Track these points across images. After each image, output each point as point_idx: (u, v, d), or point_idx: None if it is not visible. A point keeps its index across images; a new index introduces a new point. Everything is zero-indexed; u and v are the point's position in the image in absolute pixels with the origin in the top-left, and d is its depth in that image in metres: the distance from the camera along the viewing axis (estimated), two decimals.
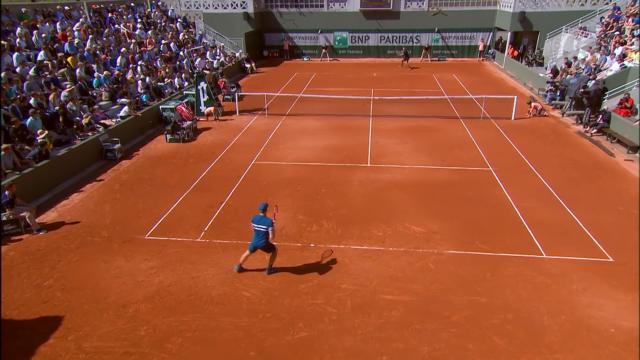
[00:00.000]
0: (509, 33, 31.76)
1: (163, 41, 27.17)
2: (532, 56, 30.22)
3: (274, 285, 8.67)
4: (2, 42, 17.67)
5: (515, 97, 19.76)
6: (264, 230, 8.40)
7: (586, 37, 26.20)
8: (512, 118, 19.28)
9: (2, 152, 11.63)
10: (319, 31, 35.89)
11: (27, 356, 7.02)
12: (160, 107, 19.12)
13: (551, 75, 23.45)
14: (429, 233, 10.44)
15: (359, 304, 8.12)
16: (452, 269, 9.12)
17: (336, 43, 36.48)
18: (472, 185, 12.99)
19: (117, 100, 18.19)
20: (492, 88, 24.96)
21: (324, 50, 35.97)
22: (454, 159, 14.99)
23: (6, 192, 10.38)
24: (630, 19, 24.39)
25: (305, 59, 36.60)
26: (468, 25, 34.63)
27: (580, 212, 11.29)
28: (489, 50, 35.13)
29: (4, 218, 10.35)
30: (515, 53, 31.84)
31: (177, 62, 25.49)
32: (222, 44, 32.62)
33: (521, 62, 30.10)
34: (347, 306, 8.06)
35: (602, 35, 24.78)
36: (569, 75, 21.91)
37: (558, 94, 21.18)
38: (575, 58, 24.09)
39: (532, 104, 19.93)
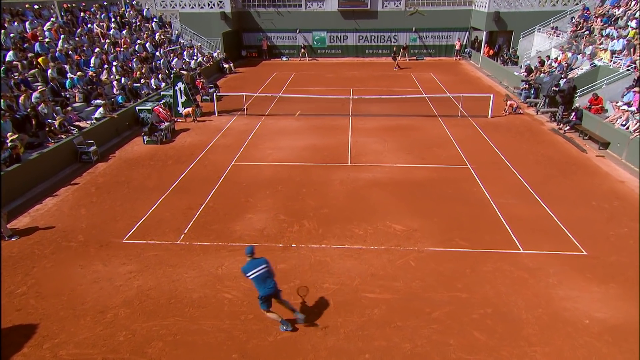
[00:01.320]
0: (485, 32, 32.38)
1: (138, 41, 26.74)
2: (507, 55, 30.85)
3: None
4: None
5: (492, 95, 20.13)
6: (266, 268, 7.23)
7: (558, 36, 26.90)
8: (489, 116, 19.64)
9: None
10: (298, 31, 35.87)
11: None
12: (137, 108, 18.81)
13: (525, 73, 23.98)
14: (410, 231, 10.54)
15: (341, 302, 8.15)
16: (432, 265, 9.24)
17: (315, 43, 36.51)
18: (451, 182, 13.18)
19: (92, 102, 17.81)
20: (469, 87, 25.38)
21: (302, 50, 35.95)
22: (433, 157, 15.18)
23: None
24: (599, 19, 25.16)
25: (284, 58, 36.51)
26: (444, 25, 35.13)
27: (555, 207, 11.57)
28: (466, 50, 35.71)
29: None
30: (491, 52, 32.45)
31: (154, 63, 25.10)
32: (200, 44, 32.27)
33: (496, 61, 30.69)
34: (329, 305, 8.08)
35: (573, 35, 25.47)
36: (542, 74, 22.44)
37: (532, 92, 21.67)
38: (548, 57, 24.72)
39: (508, 102, 20.34)
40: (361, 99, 21.76)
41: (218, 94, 22.33)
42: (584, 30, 25.18)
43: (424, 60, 35.62)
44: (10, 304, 8.19)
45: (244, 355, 7.02)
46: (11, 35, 19.19)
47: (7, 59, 17.47)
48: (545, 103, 20.07)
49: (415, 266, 9.23)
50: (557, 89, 19.07)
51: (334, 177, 13.57)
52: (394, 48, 33.52)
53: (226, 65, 31.18)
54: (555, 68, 22.51)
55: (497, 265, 9.23)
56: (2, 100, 14.19)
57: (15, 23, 20.75)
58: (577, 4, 29.74)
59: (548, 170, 14.01)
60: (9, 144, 12.53)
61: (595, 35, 23.71)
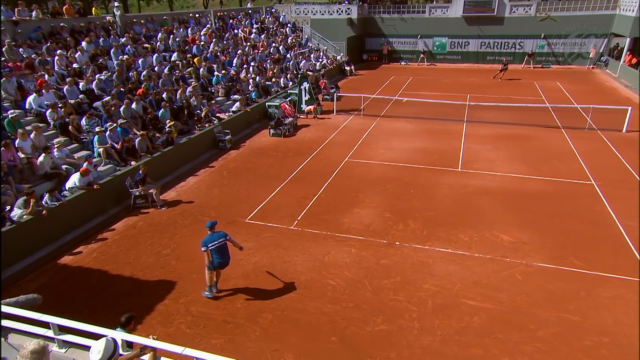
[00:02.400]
0: (628, 39, 28.07)
1: (273, 44, 28.42)
2: None
3: (358, 277, 8.68)
4: (146, 45, 19.83)
5: (630, 108, 17.44)
6: (223, 242, 7.91)
7: None
8: (624, 130, 17.08)
9: (139, 138, 13.05)
10: (419, 36, 34.91)
11: (147, 311, 7.85)
12: (267, 104, 20.01)
13: None
14: (518, 243, 9.70)
15: (440, 305, 7.83)
16: (541, 282, 8.39)
17: (435, 48, 35.20)
18: (570, 198, 11.80)
19: (231, 97, 19.42)
20: (601, 97, 22.33)
21: (422, 55, 34.88)
22: (551, 169, 13.72)
23: (140, 172, 11.66)
24: None
25: (403, 63, 35.85)
26: (579, 31, 31.16)
27: None
28: (602, 58, 31.42)
29: (137, 193, 11.65)
30: (634, 60, 28.08)
31: (284, 64, 26.49)
32: (326, 48, 33.21)
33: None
34: (428, 306, 7.82)
35: None
36: None
37: None
38: None
39: None
40: (477, 105, 20.48)
41: (338, 94, 22.78)
42: None
43: (550, 68, 32.21)
44: (157, 261, 9.37)
45: (342, 339, 7.12)
46: (177, 39, 21.77)
47: (172, 59, 19.87)
48: None
49: (521, 280, 8.47)
50: None
51: (442, 181, 13.03)
52: (504, 60, 29.64)
53: (348, 68, 31.65)
54: None
55: (618, 292, 8.06)
56: (165, 93, 16.21)
57: (181, 29, 23.49)
58: None
59: None
60: (167, 129, 14.25)
61: None
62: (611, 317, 7.45)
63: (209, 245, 7.77)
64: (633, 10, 27.33)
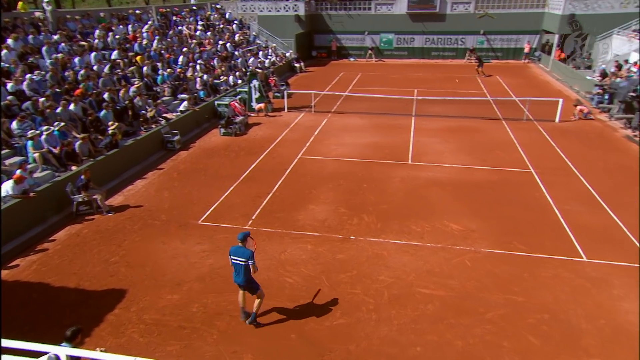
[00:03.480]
0: (557, 35, 30.13)
1: (220, 42, 27.85)
2: (580, 59, 28.51)
3: (315, 273, 8.74)
4: (83, 42, 18.78)
5: (561, 100, 18.75)
6: (243, 263, 6.89)
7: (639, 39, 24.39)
8: (557, 121, 18.33)
9: (80, 141, 12.36)
10: (366, 33, 35.52)
11: (97, 322, 7.48)
12: (216, 102, 19.61)
13: (600, 78, 22.05)
14: (467, 231, 10.16)
15: (396, 295, 8.05)
16: (488, 267, 8.85)
17: (382, 44, 35.96)
18: (512, 186, 12.51)
19: (178, 96, 18.85)
20: (536, 90, 23.83)
21: (370, 51, 35.57)
22: (495, 159, 14.47)
23: (82, 177, 11.06)
24: None
25: (351, 59, 36.35)
26: (514, 28, 33.12)
27: (625, 217, 10.61)
28: (535, 53, 33.49)
29: (80, 199, 11.04)
30: (562, 56, 30.16)
31: (233, 61, 26.05)
32: (274, 45, 32.97)
33: (568, 64, 28.50)
34: (384, 297, 8.02)
35: None
36: (619, 79, 20.53)
37: (606, 97, 19.91)
38: (627, 61, 22.52)
39: (578, 107, 18.86)
40: (425, 99, 21.18)
41: (289, 91, 22.73)
42: None
43: (490, 62, 33.85)
44: (105, 270, 8.94)
45: (302, 336, 7.15)
46: (116, 36, 20.77)
47: (112, 57, 18.94)
48: (621, 109, 18.37)
49: (471, 266, 8.89)
50: (634, 94, 17.37)
51: (394, 174, 13.37)
52: (474, 52, 30.37)
53: (297, 65, 31.62)
54: (635, 72, 20.49)
55: (556, 271, 8.66)
56: (107, 93, 15.44)
57: (121, 26, 22.44)
58: None
59: (619, 179, 12.85)
60: (110, 132, 13.60)
61: None
62: (551, 295, 7.99)
63: (230, 257, 7.04)
64: (560, 9, 29.38)
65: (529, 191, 12.18)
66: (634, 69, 20.91)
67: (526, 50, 33.59)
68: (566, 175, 13.20)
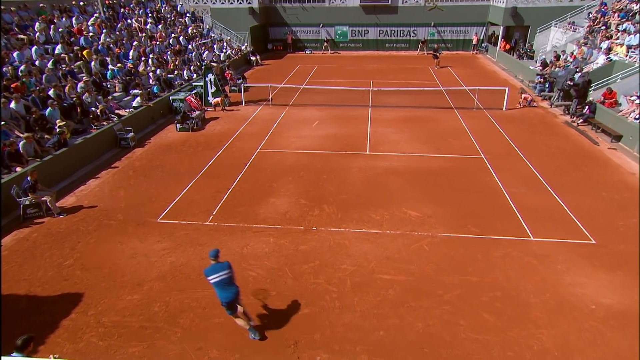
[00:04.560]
0: (502, 27, 31.42)
1: (173, 35, 26.93)
2: (523, 50, 29.87)
3: (279, 265, 8.73)
4: (22, 35, 17.57)
5: (507, 88, 19.59)
6: (228, 275, 6.60)
7: (574, 31, 25.87)
8: (504, 108, 19.15)
9: (24, 141, 11.62)
10: (321, 25, 35.48)
11: (52, 329, 7.12)
12: (171, 97, 19.04)
13: (541, 67, 23.23)
14: (424, 217, 10.46)
15: (358, 283, 8.18)
16: (445, 250, 9.17)
17: (337, 37, 36.08)
18: (465, 172, 12.97)
19: (130, 92, 18.11)
20: (485, 80, 24.75)
21: (325, 44, 35.61)
22: (448, 147, 14.94)
23: (28, 178, 10.42)
24: (616, 14, 24.07)
25: (307, 52, 36.24)
26: (462, 20, 34.22)
27: (566, 197, 11.29)
28: (482, 44, 34.75)
29: (27, 202, 10.41)
30: (507, 46, 31.48)
31: (186, 55, 25.30)
32: (229, 38, 32.32)
33: (513, 55, 29.79)
34: (346, 285, 8.13)
35: (590, 30, 24.47)
36: (557, 68, 21.71)
37: (547, 85, 21.00)
38: (564, 51, 23.83)
39: (523, 95, 19.78)
40: (380, 90, 21.49)
41: (245, 84, 22.38)
42: (600, 25, 24.15)
43: (441, 54, 34.74)
44: (59, 274, 8.51)
45: (267, 328, 7.13)
46: (59, 30, 19.58)
47: (56, 51, 17.86)
48: (560, 96, 19.45)
49: (428, 250, 9.18)
50: (571, 83, 18.44)
51: (353, 164, 13.52)
52: (436, 46, 30.43)
53: (253, 58, 31.17)
54: (571, 62, 21.72)
55: (507, 251, 9.10)
56: (52, 89, 14.56)
57: (64, 19, 21.16)
58: (594, 0, 28.54)
59: (560, 162, 13.64)
60: (58, 130, 12.88)
61: (612, 30, 22.72)
62: (502, 273, 8.40)
63: (209, 278, 6.55)
64: (503, 2, 30.63)
65: (480, 176, 12.68)
66: (570, 59, 22.17)
67: (474, 41, 34.78)
68: (513, 159, 13.84)
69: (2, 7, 19.04)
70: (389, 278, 8.31)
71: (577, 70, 19.66)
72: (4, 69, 14.70)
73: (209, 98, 19.96)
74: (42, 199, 10.54)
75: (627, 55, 19.37)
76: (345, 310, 7.49)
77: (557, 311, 7.42)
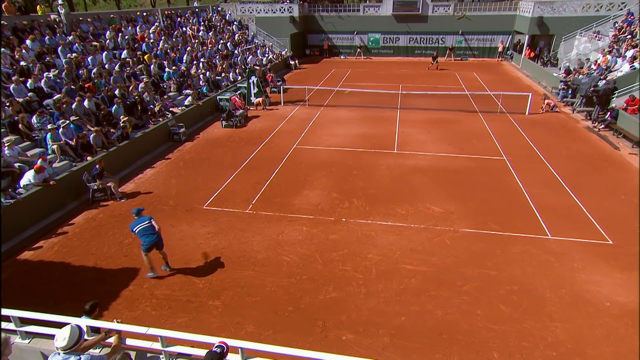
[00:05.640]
0: (527, 36, 30.04)
1: (221, 41, 27.39)
2: (547, 57, 28.49)
3: (310, 252, 8.78)
4: (95, 42, 18.36)
5: (530, 94, 18.79)
6: (148, 225, 7.72)
7: (599, 40, 24.41)
8: (527, 113, 18.37)
9: (94, 134, 12.19)
10: (355, 32, 35.13)
11: (113, 298, 7.49)
12: (218, 97, 19.38)
13: (564, 75, 22.09)
14: (447, 213, 10.23)
15: (383, 271, 8.13)
16: (465, 245, 8.95)
17: (370, 43, 35.61)
18: (487, 172, 12.58)
19: (183, 91, 18.59)
20: (509, 85, 23.82)
21: (358, 50, 35.23)
22: (472, 148, 14.51)
23: (97, 166, 10.94)
24: None
25: (342, 57, 35.98)
26: (489, 29, 32.95)
27: (585, 198, 10.75)
28: (508, 52, 33.38)
29: (95, 187, 10.94)
30: (532, 54, 30.09)
31: (233, 59, 25.68)
32: (271, 44, 32.54)
33: (537, 62, 28.46)
34: (372, 273, 8.09)
35: (615, 39, 23.03)
36: (580, 75, 20.58)
37: (570, 92, 19.97)
38: (588, 59, 22.56)
39: (546, 101, 18.91)
40: (409, 94, 21.10)
41: (284, 86, 22.50)
42: (626, 34, 22.68)
43: (468, 60, 33.75)
44: (120, 251, 8.92)
45: (298, 308, 7.21)
46: (126, 37, 20.33)
47: (122, 56, 18.57)
48: (582, 103, 18.46)
49: (450, 244, 8.98)
50: (594, 90, 17.45)
51: (381, 162, 13.38)
52: (435, 53, 30.55)
53: (292, 62, 31.26)
54: (594, 70, 20.55)
55: (525, 248, 8.78)
56: (117, 89, 15.18)
57: (129, 27, 21.95)
58: (621, 10, 26.79)
59: (580, 165, 12.98)
60: (121, 125, 13.41)
61: (638, 38, 21.28)
62: (520, 269, 8.12)
63: (134, 229, 7.74)
64: (529, 12, 29.27)
65: (501, 176, 12.26)
66: (594, 67, 20.97)
67: (500, 49, 33.45)
68: (534, 161, 13.29)
69: (81, 18, 19.97)
70: (412, 268, 8.21)
71: (601, 77, 18.58)
72: (80, 71, 15.45)
73: (251, 98, 20.20)
74: (108, 184, 11.03)
75: None
76: (370, 296, 7.46)
77: (572, 306, 7.11)
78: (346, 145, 14.95)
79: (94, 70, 15.79)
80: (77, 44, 17.28)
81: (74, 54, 16.38)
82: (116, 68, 17.03)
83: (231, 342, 4.23)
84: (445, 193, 11.24)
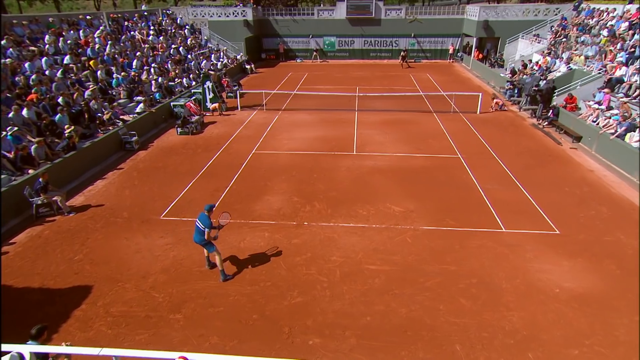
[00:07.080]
0: (475, 38, 31.65)
1: (173, 46, 26.65)
2: (494, 59, 30.18)
3: (273, 258, 8.71)
4: (32, 47, 17.23)
5: (480, 94, 19.77)
6: (202, 229, 7.79)
7: (539, 42, 26.21)
8: (478, 112, 19.31)
9: (36, 145, 11.43)
10: (310, 36, 35.42)
11: (64, 319, 7.03)
12: (171, 103, 18.83)
13: (510, 75, 23.47)
14: (407, 212, 10.52)
15: (347, 273, 8.20)
16: (426, 242, 9.23)
17: (325, 46, 36.03)
18: (444, 170, 13.07)
19: (134, 98, 17.88)
20: (460, 86, 24.94)
21: (314, 53, 35.57)
22: (428, 147, 15.03)
23: (40, 179, 10.26)
24: (575, 28, 24.45)
25: (298, 60, 36.14)
26: (440, 32, 34.43)
27: (533, 192, 11.44)
28: (458, 53, 34.99)
29: (39, 202, 10.25)
30: (480, 56, 31.72)
31: (186, 64, 25.05)
32: (225, 48, 32.06)
33: (485, 63, 30.05)
34: (336, 275, 8.14)
35: (552, 41, 24.80)
36: (524, 76, 21.95)
37: (516, 91, 21.24)
38: (530, 61, 24.12)
39: (495, 100, 19.98)
40: (366, 96, 21.52)
41: (241, 91, 22.18)
42: (562, 37, 24.49)
43: (421, 62, 35.01)
44: (70, 268, 8.39)
45: (263, 315, 7.12)
46: (68, 42, 19.25)
47: (65, 62, 17.56)
48: (527, 101, 19.67)
49: (411, 242, 9.23)
50: (537, 89, 18.68)
51: (341, 164, 13.53)
52: (403, 53, 32.51)
53: (248, 66, 30.97)
54: (536, 70, 21.99)
55: (482, 242, 9.20)
56: (61, 97, 14.31)
57: (71, 31, 20.80)
58: (556, 15, 28.95)
59: (528, 160, 13.81)
60: (67, 135, 12.67)
61: (572, 41, 23.05)
62: (477, 262, 8.49)
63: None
64: (475, 16, 30.90)
65: (457, 174, 12.78)
66: (536, 68, 22.44)
67: (450, 51, 34.99)
68: (487, 158, 13.98)
69: (15, 21, 18.68)
70: (375, 268, 8.35)
71: (542, 77, 19.91)
72: (16, 78, 14.43)
73: (207, 104, 19.80)
74: (53, 198, 10.38)
75: (585, 65, 19.67)
76: (335, 298, 7.50)
77: (526, 295, 7.53)
78: (305, 148, 14.99)
79: (33, 77, 14.82)
80: (11, 49, 16.14)
81: (8, 60, 15.27)
82: (58, 74, 16.08)
83: (192, 356, 4.10)
84: (405, 192, 11.55)
